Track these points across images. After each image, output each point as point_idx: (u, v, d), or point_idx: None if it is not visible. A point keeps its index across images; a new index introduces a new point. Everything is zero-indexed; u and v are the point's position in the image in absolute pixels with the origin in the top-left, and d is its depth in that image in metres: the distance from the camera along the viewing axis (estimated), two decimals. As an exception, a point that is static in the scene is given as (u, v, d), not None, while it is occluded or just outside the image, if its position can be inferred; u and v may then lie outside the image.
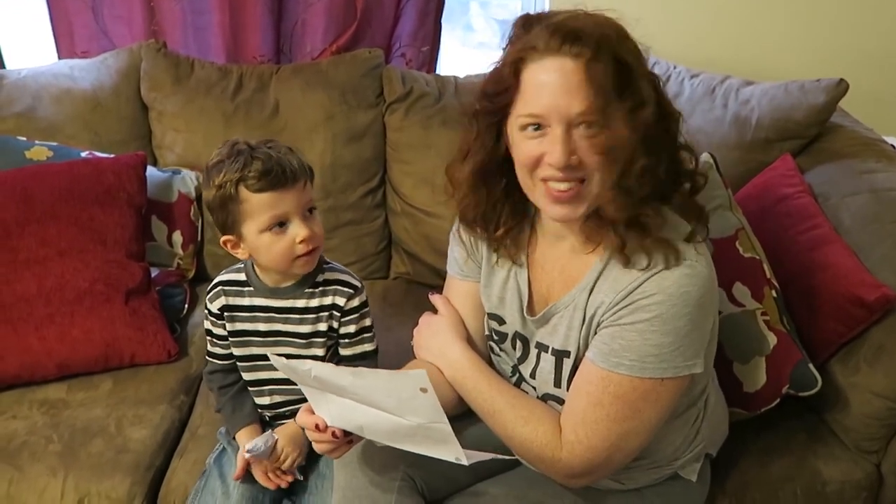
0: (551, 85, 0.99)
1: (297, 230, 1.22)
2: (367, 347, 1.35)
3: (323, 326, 1.31)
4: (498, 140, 1.09)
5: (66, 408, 1.54)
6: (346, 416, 1.07)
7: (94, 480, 1.39)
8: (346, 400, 1.03)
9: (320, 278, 1.32)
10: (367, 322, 1.35)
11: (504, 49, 1.06)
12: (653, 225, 1.04)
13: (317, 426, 1.08)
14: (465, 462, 1.02)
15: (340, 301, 1.31)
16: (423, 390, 0.96)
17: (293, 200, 1.21)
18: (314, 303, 1.31)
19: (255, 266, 1.32)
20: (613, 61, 0.98)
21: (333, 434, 1.08)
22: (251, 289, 1.32)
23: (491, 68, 1.08)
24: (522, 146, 1.05)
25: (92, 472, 1.40)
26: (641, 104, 1.00)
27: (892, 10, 2.16)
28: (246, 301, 1.33)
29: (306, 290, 1.31)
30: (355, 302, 1.32)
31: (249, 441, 1.28)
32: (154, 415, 1.52)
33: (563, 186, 1.04)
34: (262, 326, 1.33)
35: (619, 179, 1.01)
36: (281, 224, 1.22)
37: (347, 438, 1.10)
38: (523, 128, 1.04)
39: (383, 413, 1.02)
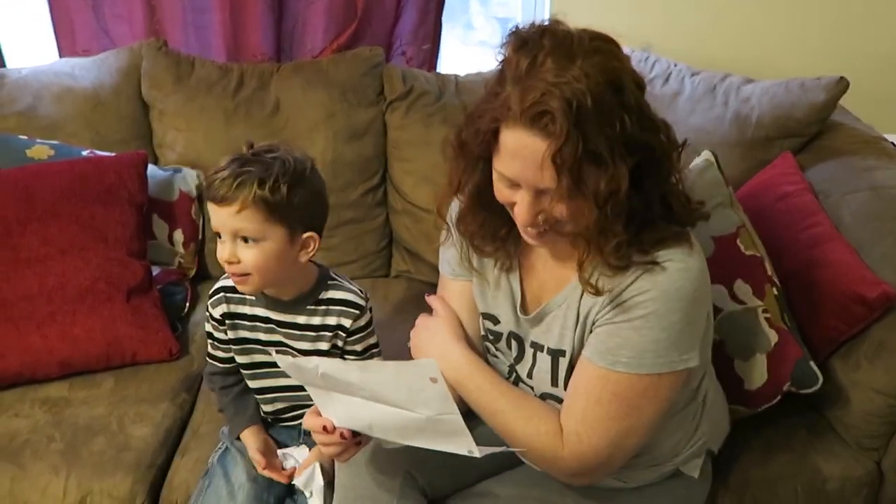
0: (522, 158, 0.98)
1: (224, 247, 1.20)
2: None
3: (324, 346, 1.30)
4: (488, 161, 1.07)
5: (68, 406, 1.54)
6: (354, 416, 1.06)
7: (96, 479, 1.39)
8: (354, 398, 1.03)
9: (323, 296, 1.30)
10: (373, 340, 1.35)
11: (498, 53, 1.03)
12: (646, 240, 1.05)
13: (324, 428, 1.08)
14: (477, 454, 1.01)
15: (346, 322, 1.29)
16: (434, 380, 0.95)
17: (222, 219, 1.18)
18: (315, 321, 1.30)
19: None
20: (583, 143, 0.94)
21: (342, 435, 1.08)
22: (253, 298, 1.31)
23: (472, 109, 1.06)
24: (498, 188, 1.06)
25: (94, 470, 1.40)
26: (614, 176, 0.97)
27: (892, 10, 2.16)
28: (248, 310, 1.32)
29: (307, 307, 1.29)
30: (361, 322, 1.31)
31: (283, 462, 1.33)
32: (156, 413, 1.53)
33: (532, 231, 1.06)
34: (263, 336, 1.33)
35: (602, 236, 1.01)
36: (216, 231, 1.22)
37: (356, 440, 1.10)
38: (500, 178, 1.04)
39: (392, 408, 1.01)
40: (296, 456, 1.35)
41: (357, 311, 1.30)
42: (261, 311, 1.31)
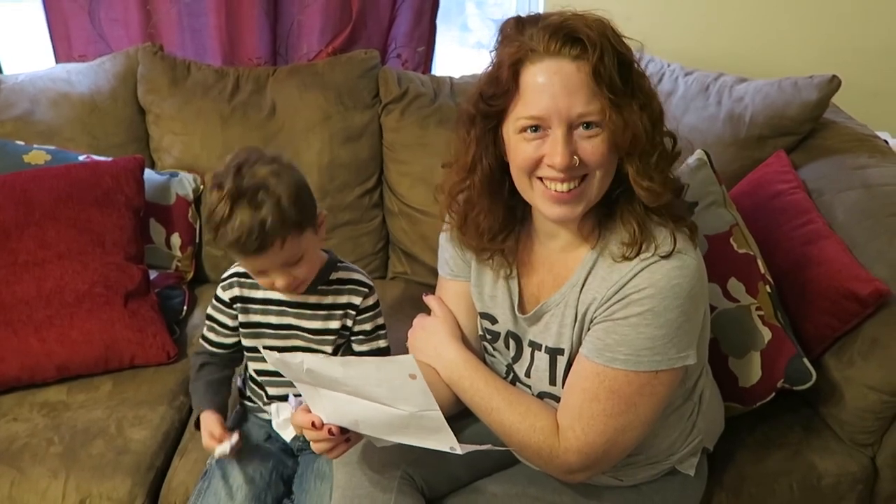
0: (552, 87, 0.99)
1: (274, 279, 1.24)
2: (381, 344, 1.38)
3: (335, 324, 1.33)
4: (495, 145, 1.09)
5: (67, 410, 1.54)
6: (340, 411, 1.07)
7: (95, 482, 1.40)
8: (340, 394, 1.04)
9: (334, 276, 1.34)
10: (381, 320, 1.38)
11: (495, 51, 1.05)
12: (643, 237, 1.06)
13: (313, 424, 1.09)
14: (459, 451, 1.02)
15: (356, 300, 1.33)
16: (413, 377, 0.96)
17: (269, 262, 1.22)
18: (327, 300, 1.33)
19: None
20: (616, 61, 0.99)
21: (330, 431, 1.08)
22: None
23: (485, 70, 1.07)
24: (520, 149, 1.05)
25: (93, 473, 1.41)
26: (650, 96, 1.03)
27: (885, 7, 2.17)
28: (259, 294, 1.35)
29: (319, 288, 1.33)
30: (370, 301, 1.35)
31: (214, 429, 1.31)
32: (154, 415, 1.53)
33: (563, 188, 1.04)
34: (273, 319, 1.35)
35: (645, 168, 1.03)
36: (260, 272, 1.25)
37: (345, 436, 1.11)
38: (522, 130, 1.03)
39: (377, 404, 1.02)
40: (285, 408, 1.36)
41: (366, 290, 1.34)
42: (272, 294, 1.34)
